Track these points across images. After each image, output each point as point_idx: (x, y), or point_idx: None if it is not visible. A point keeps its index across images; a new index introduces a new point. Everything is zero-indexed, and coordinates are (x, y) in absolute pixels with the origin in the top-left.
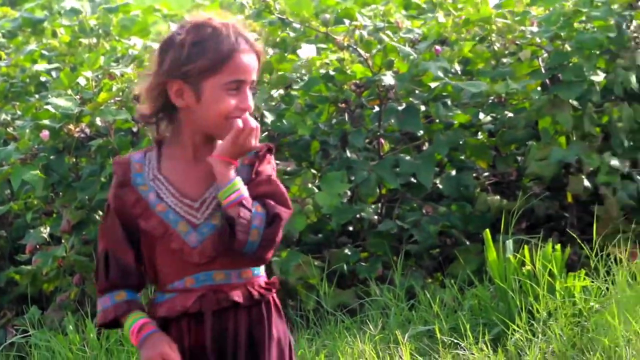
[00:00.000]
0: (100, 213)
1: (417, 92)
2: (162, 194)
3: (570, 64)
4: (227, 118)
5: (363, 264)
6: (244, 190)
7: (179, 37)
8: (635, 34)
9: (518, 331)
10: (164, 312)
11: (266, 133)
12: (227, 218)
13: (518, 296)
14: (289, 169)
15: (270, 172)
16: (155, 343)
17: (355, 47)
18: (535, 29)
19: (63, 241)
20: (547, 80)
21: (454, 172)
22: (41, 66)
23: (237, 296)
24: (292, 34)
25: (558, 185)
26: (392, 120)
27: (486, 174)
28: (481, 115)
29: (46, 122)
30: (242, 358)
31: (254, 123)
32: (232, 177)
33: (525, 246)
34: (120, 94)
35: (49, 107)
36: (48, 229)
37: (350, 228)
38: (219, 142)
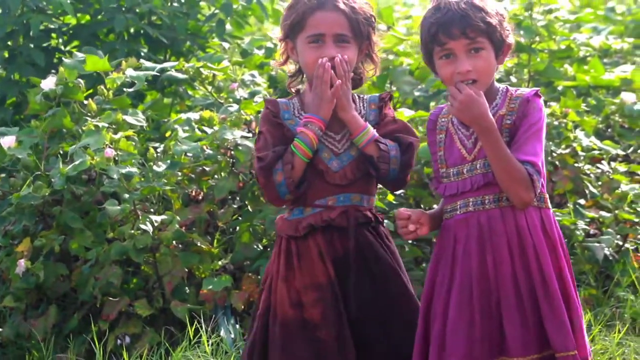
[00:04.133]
0: None
1: None
2: None
3: None
4: (313, 69)
5: None
6: (375, 132)
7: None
8: None
9: None
10: (312, 221)
11: None
12: (367, 157)
13: None
14: None
15: (393, 114)
16: None
17: None
18: None
19: None
20: None
21: None
22: None
23: (370, 215)
24: None
25: None
26: None
27: None
28: None
29: None
30: (385, 262)
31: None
32: (364, 125)
33: None
34: None
35: None
36: None
37: None
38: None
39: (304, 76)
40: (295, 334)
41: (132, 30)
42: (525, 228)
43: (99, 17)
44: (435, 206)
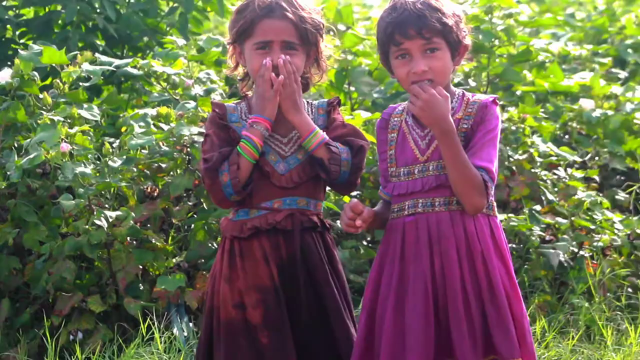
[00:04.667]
0: None
1: None
2: None
3: None
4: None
5: None
6: (325, 135)
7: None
8: None
9: None
10: (257, 223)
11: None
12: (317, 160)
13: None
14: None
15: (342, 119)
16: None
17: None
18: None
19: None
20: None
21: None
22: None
23: (316, 220)
24: None
25: None
26: None
27: None
28: None
29: None
30: (326, 271)
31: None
32: (312, 127)
33: None
34: None
35: None
36: None
37: None
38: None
39: (252, 81)
40: (238, 335)
41: (90, 24)
42: (473, 234)
43: (50, 7)
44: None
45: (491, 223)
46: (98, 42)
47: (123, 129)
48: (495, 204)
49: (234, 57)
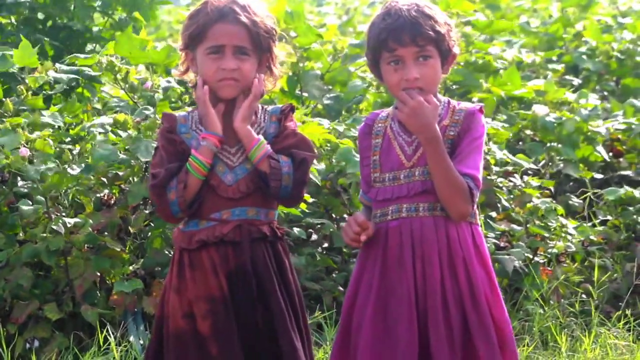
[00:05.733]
0: None
1: None
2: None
3: None
4: (214, 79)
5: None
6: (269, 147)
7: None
8: None
9: None
10: (204, 236)
11: None
12: (260, 173)
13: None
14: None
15: (294, 127)
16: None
17: None
18: None
19: None
20: None
21: None
22: None
23: (266, 230)
24: None
25: None
26: None
27: None
28: None
29: None
30: (274, 282)
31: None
32: (256, 139)
33: None
34: None
35: None
36: None
37: None
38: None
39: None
40: (188, 346)
41: (40, 26)
42: (455, 240)
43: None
44: (358, 212)
45: (473, 230)
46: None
47: (82, 134)
48: (477, 212)
49: (186, 63)
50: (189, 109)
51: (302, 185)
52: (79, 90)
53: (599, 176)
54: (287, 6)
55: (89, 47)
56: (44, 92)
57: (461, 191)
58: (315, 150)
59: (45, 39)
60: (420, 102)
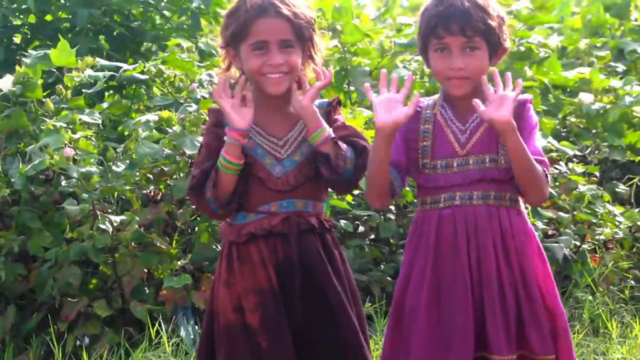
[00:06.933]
0: None
1: None
2: (251, 134)
3: None
4: (261, 74)
5: None
6: (331, 131)
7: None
8: None
9: None
10: (252, 229)
11: None
12: (322, 155)
13: None
14: None
15: (343, 119)
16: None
17: None
18: None
19: None
20: None
21: None
22: None
23: (315, 222)
24: None
25: None
26: None
27: None
28: None
29: None
30: (328, 272)
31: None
32: (321, 122)
33: None
34: None
35: None
36: None
37: None
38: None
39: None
40: (238, 339)
41: (94, 27)
42: (508, 229)
43: (61, 13)
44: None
45: (524, 219)
46: (103, 45)
47: (126, 132)
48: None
49: (227, 60)
50: None
51: (362, 172)
52: (129, 91)
53: None
54: (335, 2)
55: (146, 46)
56: (83, 90)
57: (540, 177)
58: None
59: (101, 37)
60: (504, 96)
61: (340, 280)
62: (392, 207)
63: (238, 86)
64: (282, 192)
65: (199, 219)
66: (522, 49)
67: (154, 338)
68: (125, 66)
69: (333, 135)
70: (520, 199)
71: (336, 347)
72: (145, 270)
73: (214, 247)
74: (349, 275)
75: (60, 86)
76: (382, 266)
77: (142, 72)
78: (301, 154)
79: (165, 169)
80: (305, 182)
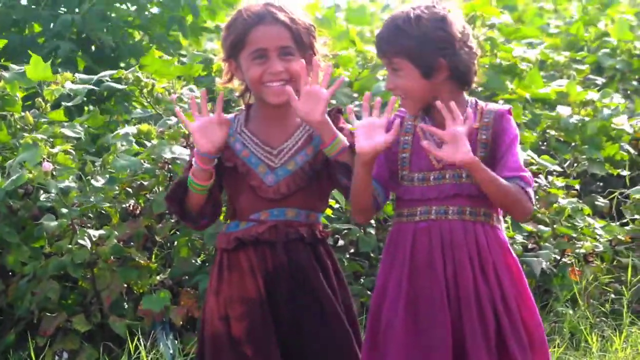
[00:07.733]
0: None
1: None
2: (247, 143)
3: None
4: (262, 83)
5: None
6: (346, 139)
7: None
8: None
9: None
10: (240, 235)
11: None
12: (341, 164)
13: None
14: None
15: (348, 127)
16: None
17: None
18: None
19: None
20: None
21: None
22: None
23: (304, 232)
24: None
25: None
26: None
27: None
28: None
29: None
30: (320, 279)
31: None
32: (336, 133)
33: None
34: None
35: None
36: None
37: None
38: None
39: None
40: (223, 349)
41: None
42: (484, 244)
43: (40, 40)
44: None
45: (499, 234)
46: (80, 59)
47: (105, 145)
48: (501, 215)
49: (229, 72)
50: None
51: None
52: (108, 104)
53: (625, 173)
54: (317, 12)
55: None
56: (62, 103)
57: (515, 196)
58: None
59: (78, 52)
60: (454, 133)
61: (332, 290)
62: (372, 221)
63: (217, 104)
64: (273, 201)
65: (178, 233)
66: (505, 63)
67: (132, 353)
68: (104, 72)
69: (348, 143)
70: (494, 214)
71: (329, 355)
72: (125, 285)
73: (193, 261)
74: (343, 288)
75: (40, 99)
76: (362, 280)
77: (119, 81)
78: (295, 163)
79: (145, 183)
80: (298, 192)
